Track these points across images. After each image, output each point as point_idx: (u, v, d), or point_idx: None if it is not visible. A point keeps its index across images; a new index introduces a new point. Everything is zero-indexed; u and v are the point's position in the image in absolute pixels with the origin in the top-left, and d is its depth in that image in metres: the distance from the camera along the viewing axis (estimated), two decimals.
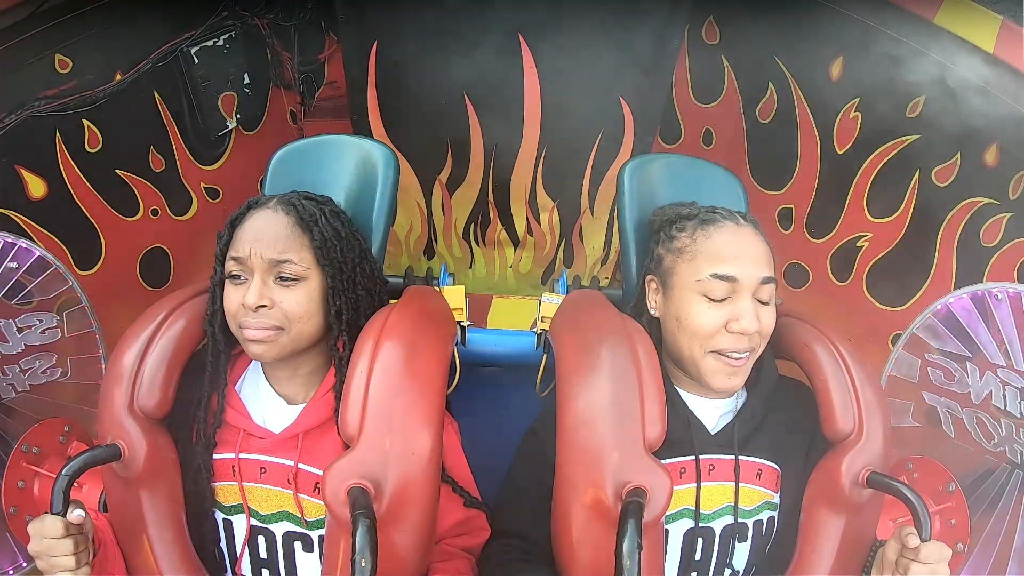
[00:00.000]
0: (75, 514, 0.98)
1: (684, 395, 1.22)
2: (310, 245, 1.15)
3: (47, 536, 0.97)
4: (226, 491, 1.17)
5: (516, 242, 2.50)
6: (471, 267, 2.57)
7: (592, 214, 2.42)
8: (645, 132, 2.22)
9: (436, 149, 2.27)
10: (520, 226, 2.46)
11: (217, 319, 1.17)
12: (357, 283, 1.20)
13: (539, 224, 2.45)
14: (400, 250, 2.52)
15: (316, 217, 1.17)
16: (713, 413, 1.21)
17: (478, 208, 2.43)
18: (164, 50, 1.87)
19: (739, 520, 1.18)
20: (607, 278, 2.56)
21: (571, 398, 1.11)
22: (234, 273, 1.13)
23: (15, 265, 1.34)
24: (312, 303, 1.14)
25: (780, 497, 1.21)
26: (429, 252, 2.53)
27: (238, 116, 2.17)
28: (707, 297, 1.13)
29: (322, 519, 1.13)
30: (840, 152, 1.91)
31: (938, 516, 1.32)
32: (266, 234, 1.13)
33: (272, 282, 1.12)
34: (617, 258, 2.51)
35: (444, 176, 2.34)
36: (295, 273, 1.12)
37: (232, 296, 1.12)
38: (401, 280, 1.54)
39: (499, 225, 2.47)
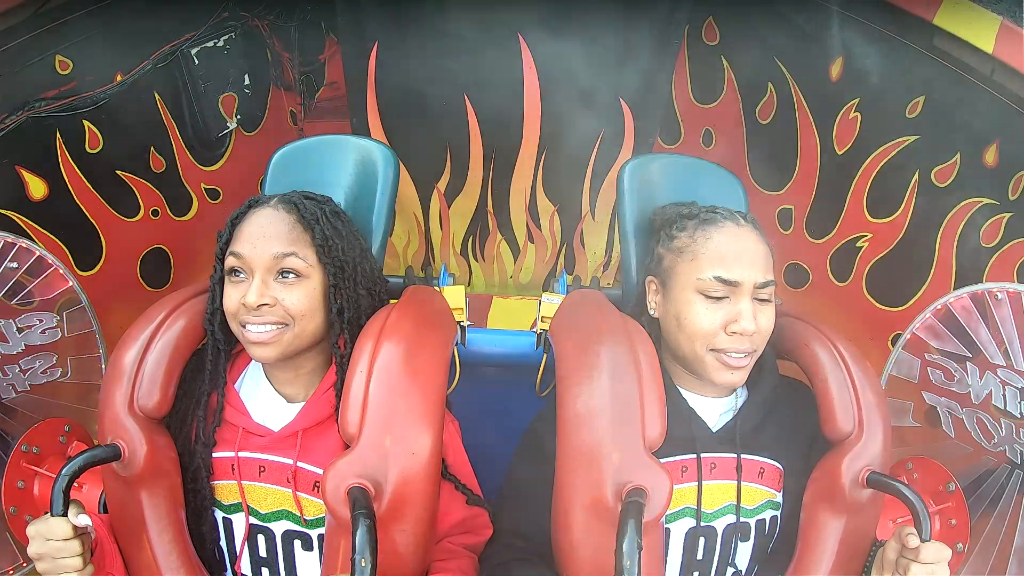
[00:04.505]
0: (80, 519, 0.98)
1: (685, 393, 1.22)
2: (312, 243, 1.15)
3: (55, 538, 0.97)
4: (225, 489, 1.17)
5: (516, 251, 2.50)
6: (469, 284, 2.56)
7: (593, 218, 2.42)
8: (646, 133, 2.22)
9: (436, 152, 2.27)
10: (520, 233, 2.46)
11: (217, 318, 1.17)
12: (358, 282, 1.20)
13: (540, 230, 2.45)
14: (399, 263, 2.52)
15: (317, 216, 1.17)
16: (714, 411, 1.21)
17: (477, 220, 2.42)
18: (164, 51, 1.88)
19: (741, 519, 1.18)
20: (608, 284, 2.56)
21: (571, 398, 1.11)
22: (235, 268, 1.12)
23: (15, 265, 1.34)
24: (313, 300, 1.14)
25: (783, 496, 1.21)
26: (427, 268, 2.53)
27: (238, 117, 2.17)
28: (706, 297, 1.14)
29: (321, 518, 1.13)
30: (840, 152, 1.91)
31: (938, 516, 1.32)
32: (268, 231, 1.13)
33: (272, 281, 1.12)
34: (619, 263, 2.51)
35: (443, 184, 2.33)
36: (298, 268, 1.12)
37: (231, 295, 1.12)
38: (401, 280, 1.54)
39: (498, 236, 2.46)
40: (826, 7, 1.82)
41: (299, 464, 1.15)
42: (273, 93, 2.31)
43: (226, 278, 1.14)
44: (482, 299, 2.44)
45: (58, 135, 1.65)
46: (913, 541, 0.99)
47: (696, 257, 1.16)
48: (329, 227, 1.17)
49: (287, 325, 1.11)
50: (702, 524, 1.17)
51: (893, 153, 1.78)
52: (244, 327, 1.11)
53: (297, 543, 1.17)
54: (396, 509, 1.04)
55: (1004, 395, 1.28)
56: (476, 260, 2.53)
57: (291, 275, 1.12)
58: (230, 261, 1.13)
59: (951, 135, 1.63)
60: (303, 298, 1.12)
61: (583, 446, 1.07)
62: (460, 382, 1.47)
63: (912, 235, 1.77)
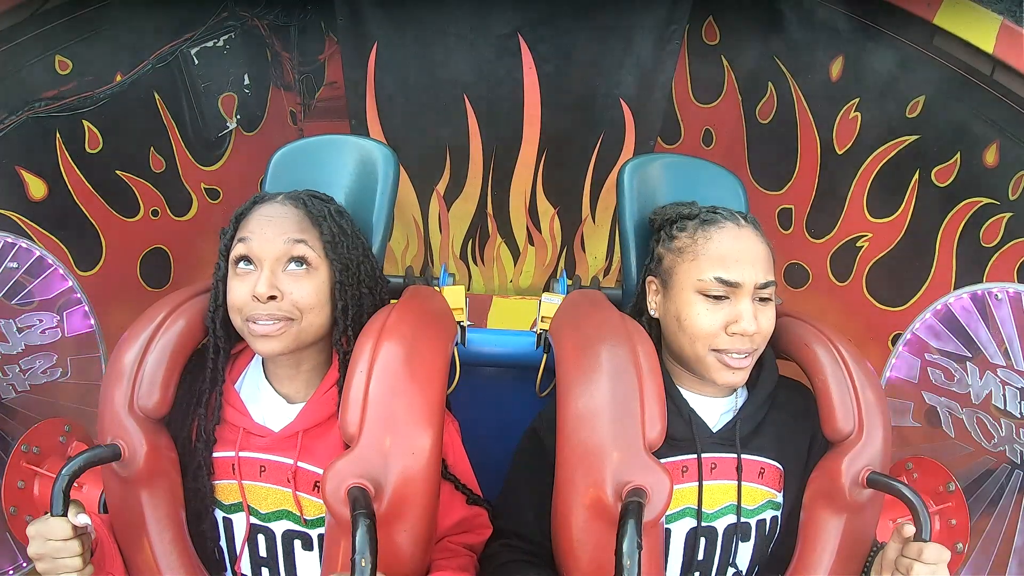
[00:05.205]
0: (80, 518, 0.98)
1: (685, 393, 1.22)
2: (320, 238, 1.15)
3: (54, 538, 0.97)
4: (226, 489, 1.17)
5: (516, 254, 2.49)
6: (469, 289, 2.55)
7: (594, 221, 2.41)
8: (646, 134, 2.21)
9: (435, 154, 2.27)
10: (520, 236, 2.45)
11: (219, 315, 1.17)
12: (361, 280, 1.20)
13: (540, 232, 2.44)
14: (398, 268, 2.51)
15: (324, 213, 1.17)
16: (714, 411, 1.21)
17: (476, 222, 2.41)
18: (164, 51, 1.88)
19: (742, 519, 1.18)
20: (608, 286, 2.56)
21: (571, 398, 1.11)
22: (243, 256, 1.11)
23: (15, 265, 1.34)
24: (321, 294, 1.14)
25: (783, 496, 1.21)
26: (426, 270, 2.53)
27: (238, 117, 2.17)
28: (707, 297, 1.14)
29: (321, 518, 1.13)
30: (840, 152, 1.91)
31: (938, 516, 1.32)
32: (278, 221, 1.13)
33: (281, 272, 1.11)
34: (619, 266, 2.51)
35: (442, 187, 2.33)
36: (308, 257, 1.12)
37: (238, 289, 1.11)
38: (401, 280, 1.54)
39: (498, 239, 2.45)
40: (826, 7, 1.82)
41: (299, 464, 1.15)
42: (273, 93, 2.31)
43: (231, 271, 1.14)
44: (482, 299, 2.44)
45: (58, 135, 1.65)
46: (908, 530, 0.99)
47: (696, 257, 1.16)
48: (335, 224, 1.18)
49: (293, 320, 1.11)
50: (703, 524, 1.17)
51: (893, 153, 1.78)
52: (250, 322, 1.10)
53: (297, 543, 1.17)
54: (396, 509, 1.04)
55: (1004, 395, 1.28)
56: (475, 264, 2.52)
57: (302, 265, 1.12)
58: (238, 249, 1.12)
59: (951, 135, 1.63)
60: (312, 291, 1.12)
61: (583, 446, 1.07)
62: (460, 382, 1.47)
63: (912, 235, 1.77)
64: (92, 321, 1.44)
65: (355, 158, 1.45)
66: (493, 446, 1.31)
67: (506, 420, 1.38)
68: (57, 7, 1.57)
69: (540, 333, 1.50)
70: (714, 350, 1.13)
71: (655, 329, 1.25)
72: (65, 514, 0.97)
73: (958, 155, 1.63)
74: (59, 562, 0.97)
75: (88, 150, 1.72)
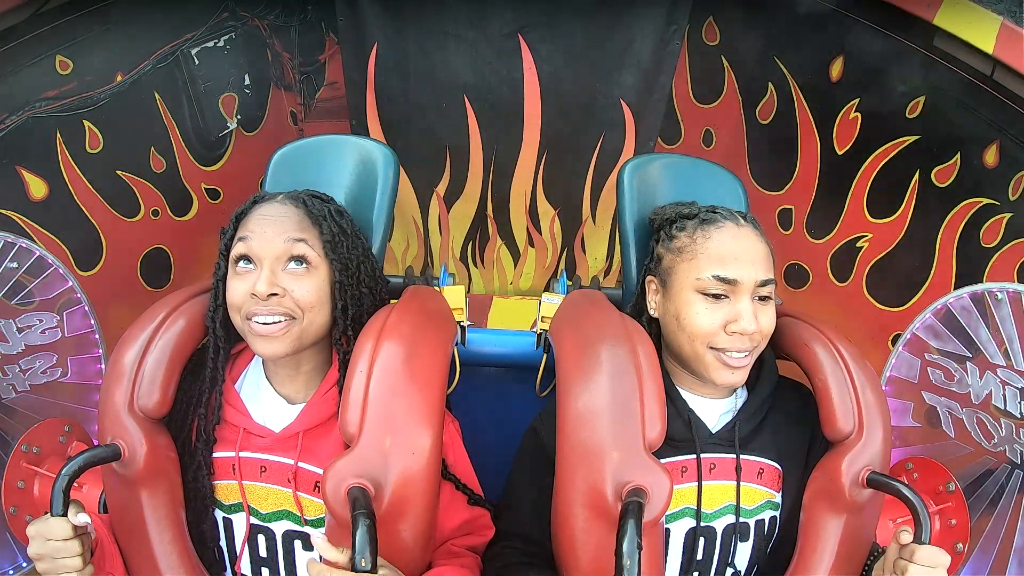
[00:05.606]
0: (80, 518, 0.98)
1: (685, 394, 1.22)
2: (319, 238, 1.15)
3: (54, 538, 0.97)
4: (226, 489, 1.17)
5: (516, 256, 2.49)
6: (468, 291, 2.55)
7: (594, 222, 2.41)
8: (647, 135, 2.21)
9: (435, 155, 2.27)
10: (520, 237, 2.45)
11: (219, 315, 1.17)
12: (361, 280, 1.21)
13: (540, 233, 2.44)
14: (397, 268, 2.52)
15: (324, 213, 1.17)
16: (714, 412, 1.21)
17: (476, 224, 2.41)
18: (164, 51, 1.88)
19: (741, 519, 1.18)
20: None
21: (571, 398, 1.11)
22: (243, 255, 1.11)
23: (15, 265, 1.34)
24: (322, 293, 1.14)
25: (782, 496, 1.21)
26: (426, 271, 2.54)
27: (238, 117, 2.17)
28: (706, 296, 1.14)
29: (322, 518, 1.13)
30: (840, 152, 1.91)
31: (938, 516, 1.32)
32: (278, 220, 1.13)
33: (281, 271, 1.11)
34: (620, 268, 2.51)
35: (442, 188, 2.33)
36: (308, 256, 1.12)
37: (238, 287, 1.11)
38: (401, 280, 1.55)
39: (499, 241, 2.45)
40: (826, 7, 1.82)
41: (300, 464, 1.15)
42: (273, 93, 2.32)
43: (231, 270, 1.14)
44: (482, 299, 2.44)
45: (58, 135, 1.65)
46: (905, 538, 0.99)
47: (696, 257, 1.16)
48: (335, 224, 1.18)
49: (295, 318, 1.11)
50: (702, 524, 1.17)
51: (893, 153, 1.78)
52: (250, 320, 1.10)
53: (297, 543, 1.17)
54: (396, 509, 1.04)
55: (1004, 395, 1.28)
56: (476, 266, 2.52)
57: (301, 264, 1.12)
58: (238, 248, 1.12)
59: (951, 135, 1.63)
60: (312, 290, 1.12)
61: (583, 446, 1.07)
62: (460, 382, 1.47)
63: (912, 235, 1.77)
64: (92, 321, 1.44)
65: (355, 158, 1.45)
66: (493, 446, 1.31)
67: (506, 420, 1.38)
68: (57, 7, 1.57)
69: (540, 333, 1.50)
70: (713, 348, 1.13)
71: (655, 329, 1.25)
72: (65, 514, 0.97)
73: (958, 155, 1.63)
74: (59, 562, 0.97)
75: (88, 150, 1.73)
